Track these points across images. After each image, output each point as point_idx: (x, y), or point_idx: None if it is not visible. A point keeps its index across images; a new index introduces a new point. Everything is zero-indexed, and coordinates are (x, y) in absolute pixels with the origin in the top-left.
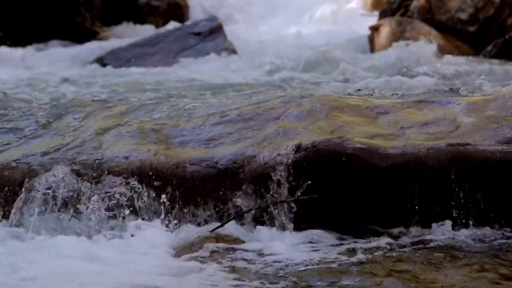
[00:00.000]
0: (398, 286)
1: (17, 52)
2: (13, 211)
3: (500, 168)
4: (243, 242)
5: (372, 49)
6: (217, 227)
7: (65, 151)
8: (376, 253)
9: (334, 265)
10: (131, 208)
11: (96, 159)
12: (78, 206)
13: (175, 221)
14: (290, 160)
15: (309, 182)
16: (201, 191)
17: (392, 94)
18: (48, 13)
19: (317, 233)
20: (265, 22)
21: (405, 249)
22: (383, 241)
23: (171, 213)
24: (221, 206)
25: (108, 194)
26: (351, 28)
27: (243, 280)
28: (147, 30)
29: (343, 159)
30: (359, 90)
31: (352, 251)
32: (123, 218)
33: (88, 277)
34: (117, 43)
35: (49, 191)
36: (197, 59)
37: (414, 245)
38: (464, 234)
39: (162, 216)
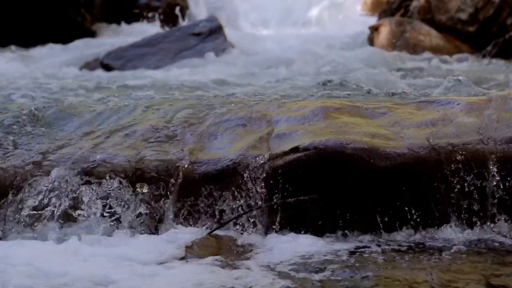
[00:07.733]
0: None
1: (16, 52)
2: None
3: (500, 167)
4: (244, 243)
5: None
6: (216, 228)
7: (68, 153)
8: (380, 255)
9: (333, 266)
10: (129, 209)
11: (99, 160)
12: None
13: (175, 221)
14: (290, 161)
15: (310, 183)
16: (201, 191)
17: (392, 94)
18: (48, 13)
19: (316, 235)
20: (265, 23)
21: (406, 251)
22: (385, 241)
23: (171, 213)
24: (221, 207)
25: (109, 195)
26: (351, 28)
27: (243, 281)
28: (147, 30)
29: (343, 159)
30: (359, 90)
31: (352, 253)
32: (121, 218)
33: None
34: (117, 43)
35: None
36: (197, 59)
37: (414, 247)
38: (468, 235)
39: (162, 216)
